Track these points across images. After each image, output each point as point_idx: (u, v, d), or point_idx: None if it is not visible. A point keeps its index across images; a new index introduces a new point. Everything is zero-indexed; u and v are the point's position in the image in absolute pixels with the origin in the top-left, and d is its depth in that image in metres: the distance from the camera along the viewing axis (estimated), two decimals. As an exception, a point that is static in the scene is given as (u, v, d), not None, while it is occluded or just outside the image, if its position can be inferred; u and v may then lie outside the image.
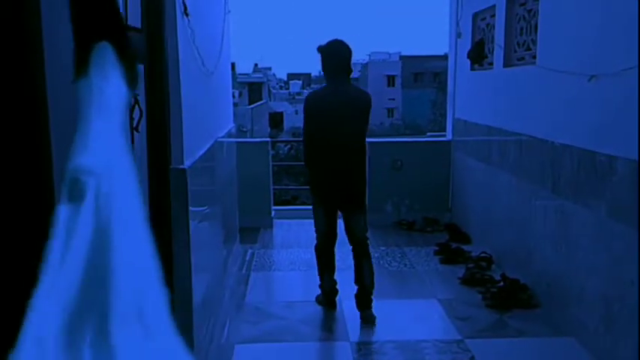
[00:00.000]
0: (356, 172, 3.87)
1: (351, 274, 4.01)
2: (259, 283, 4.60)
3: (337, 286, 4.10)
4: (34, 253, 1.20)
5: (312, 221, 4.10)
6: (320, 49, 3.81)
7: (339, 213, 4.01)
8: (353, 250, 3.95)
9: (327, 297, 4.09)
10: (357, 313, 3.90)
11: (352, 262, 3.97)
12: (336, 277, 4.14)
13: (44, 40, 1.16)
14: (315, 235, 4.08)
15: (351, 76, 3.85)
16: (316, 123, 3.82)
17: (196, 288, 2.79)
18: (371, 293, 3.89)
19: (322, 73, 3.91)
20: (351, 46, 3.80)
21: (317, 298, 4.20)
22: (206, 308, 3.14)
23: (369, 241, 3.98)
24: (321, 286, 4.13)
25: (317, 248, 4.09)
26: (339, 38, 3.83)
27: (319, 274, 4.13)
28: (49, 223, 1.19)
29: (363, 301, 3.87)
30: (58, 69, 1.19)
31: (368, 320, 3.83)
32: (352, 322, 3.85)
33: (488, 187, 5.16)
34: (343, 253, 4.32)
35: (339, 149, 3.77)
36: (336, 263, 4.15)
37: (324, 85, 3.93)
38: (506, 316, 3.88)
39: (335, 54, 3.78)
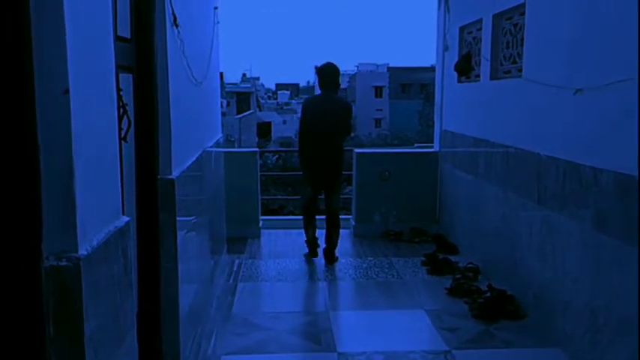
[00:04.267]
0: (335, 158, 5.23)
1: (340, 285, 4.81)
2: (246, 294, 4.57)
3: (317, 240, 5.48)
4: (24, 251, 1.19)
5: (302, 231, 5.53)
6: (317, 69, 5.28)
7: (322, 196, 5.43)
8: (327, 220, 5.36)
9: (310, 245, 5.45)
10: (346, 324, 4.02)
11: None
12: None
13: (34, 49, 1.16)
14: (302, 208, 5.53)
15: (338, 89, 5.39)
16: (310, 119, 5.23)
17: (183, 298, 2.78)
18: (334, 248, 5.36)
19: (317, 85, 5.33)
20: (338, 63, 5.28)
21: (305, 255, 5.49)
22: (193, 319, 3.12)
23: (340, 213, 5.51)
24: (306, 241, 5.48)
25: (302, 210, 5.51)
26: (331, 61, 5.29)
27: (305, 230, 5.49)
28: (36, 221, 1.19)
29: (330, 256, 5.33)
30: (46, 77, 1.19)
31: (330, 261, 5.30)
32: (339, 333, 3.85)
33: (475, 198, 5.20)
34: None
35: (324, 140, 5.16)
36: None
37: (319, 93, 5.39)
38: (492, 326, 3.89)
39: (327, 73, 5.25)
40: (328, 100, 5.22)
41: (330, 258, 5.32)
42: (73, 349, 1.24)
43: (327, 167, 5.25)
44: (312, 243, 5.47)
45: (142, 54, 2.34)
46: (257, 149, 6.87)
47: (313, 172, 5.29)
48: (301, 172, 5.48)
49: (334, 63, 5.28)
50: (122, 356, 1.55)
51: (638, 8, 2.68)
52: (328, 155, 5.20)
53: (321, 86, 5.27)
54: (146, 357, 2.32)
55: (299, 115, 5.69)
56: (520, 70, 4.24)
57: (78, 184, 1.25)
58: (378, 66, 55.65)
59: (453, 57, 5.74)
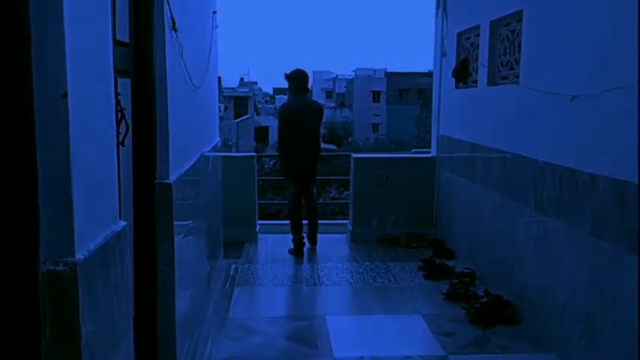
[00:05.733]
0: (313, 156, 5.79)
1: (337, 289, 4.80)
2: (243, 299, 4.57)
3: (303, 240, 5.90)
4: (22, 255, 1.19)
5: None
6: (287, 76, 5.74)
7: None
8: (308, 210, 5.94)
9: (297, 247, 5.80)
10: (342, 329, 4.01)
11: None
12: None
13: (33, 53, 1.16)
14: (289, 206, 5.93)
15: (308, 93, 5.95)
16: (291, 121, 5.68)
17: (180, 303, 2.77)
18: (316, 233, 5.98)
19: (289, 90, 5.80)
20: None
21: (289, 250, 5.83)
22: (189, 323, 3.12)
23: (317, 202, 6.17)
24: (293, 240, 5.81)
25: (290, 214, 5.88)
26: (300, 68, 5.84)
27: (292, 232, 5.84)
28: (33, 225, 1.19)
29: (313, 238, 5.97)
30: (45, 81, 1.19)
31: (313, 243, 5.96)
32: (336, 338, 3.84)
33: (472, 203, 5.21)
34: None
35: (302, 141, 5.66)
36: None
37: (292, 98, 5.84)
38: (489, 332, 3.89)
39: (299, 79, 5.73)
40: (303, 103, 5.76)
41: (313, 239, 5.93)
42: (70, 353, 1.24)
43: (309, 165, 5.80)
44: (298, 245, 5.80)
45: (140, 58, 2.34)
46: (254, 154, 6.88)
47: (299, 169, 5.77)
48: (284, 175, 5.93)
49: (302, 69, 5.83)
50: (118, 360, 1.55)
51: (638, 11, 2.69)
52: (311, 153, 5.75)
53: (293, 91, 5.74)
54: (142, 361, 2.32)
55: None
56: (517, 77, 4.25)
57: (75, 189, 1.25)
58: (375, 71, 55.77)
59: (451, 63, 5.76)
